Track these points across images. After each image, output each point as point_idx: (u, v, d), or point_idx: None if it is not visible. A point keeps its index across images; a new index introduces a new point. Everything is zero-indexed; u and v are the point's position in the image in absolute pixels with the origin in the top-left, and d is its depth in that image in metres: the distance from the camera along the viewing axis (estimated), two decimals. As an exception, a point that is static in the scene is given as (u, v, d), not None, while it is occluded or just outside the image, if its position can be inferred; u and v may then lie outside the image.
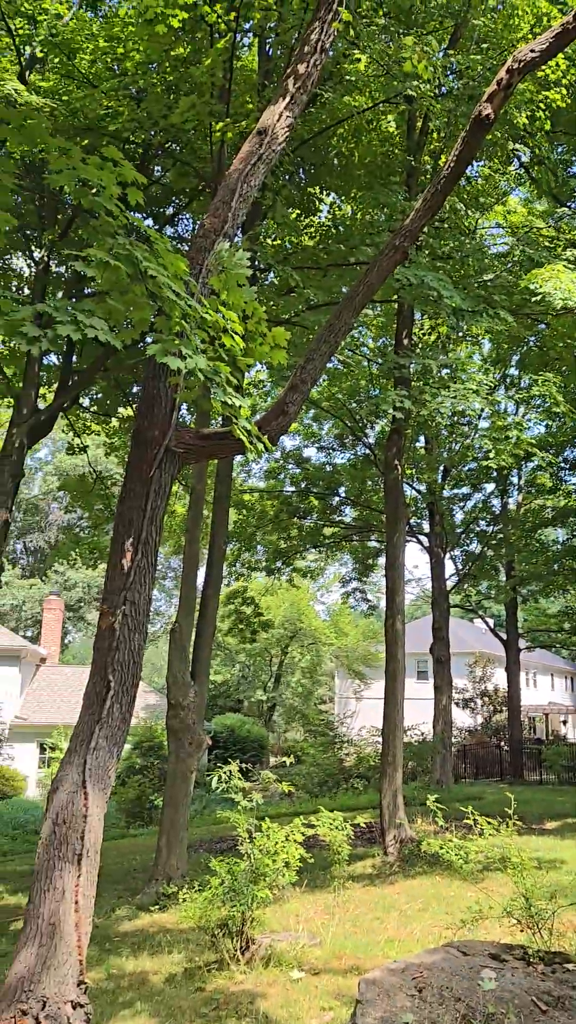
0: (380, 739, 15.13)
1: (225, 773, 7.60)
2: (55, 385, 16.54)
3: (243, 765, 8.04)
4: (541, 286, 10.58)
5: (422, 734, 27.33)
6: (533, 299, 11.00)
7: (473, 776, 29.72)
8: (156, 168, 14.90)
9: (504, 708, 33.42)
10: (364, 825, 10.13)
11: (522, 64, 5.57)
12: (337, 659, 45.31)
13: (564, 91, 12.11)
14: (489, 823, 6.86)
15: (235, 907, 6.97)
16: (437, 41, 12.71)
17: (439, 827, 9.18)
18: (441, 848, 7.21)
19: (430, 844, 7.33)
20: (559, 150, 19.56)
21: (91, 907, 4.75)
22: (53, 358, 16.85)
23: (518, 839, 8.16)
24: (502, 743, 31.93)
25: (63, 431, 22.34)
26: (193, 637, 12.48)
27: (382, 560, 22.22)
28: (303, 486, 25.56)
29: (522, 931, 6.33)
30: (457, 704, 32.91)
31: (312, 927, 8.09)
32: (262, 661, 43.85)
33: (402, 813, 12.52)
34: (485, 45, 12.46)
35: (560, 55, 11.15)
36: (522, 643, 33.91)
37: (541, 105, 12.29)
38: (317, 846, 10.82)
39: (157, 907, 10.04)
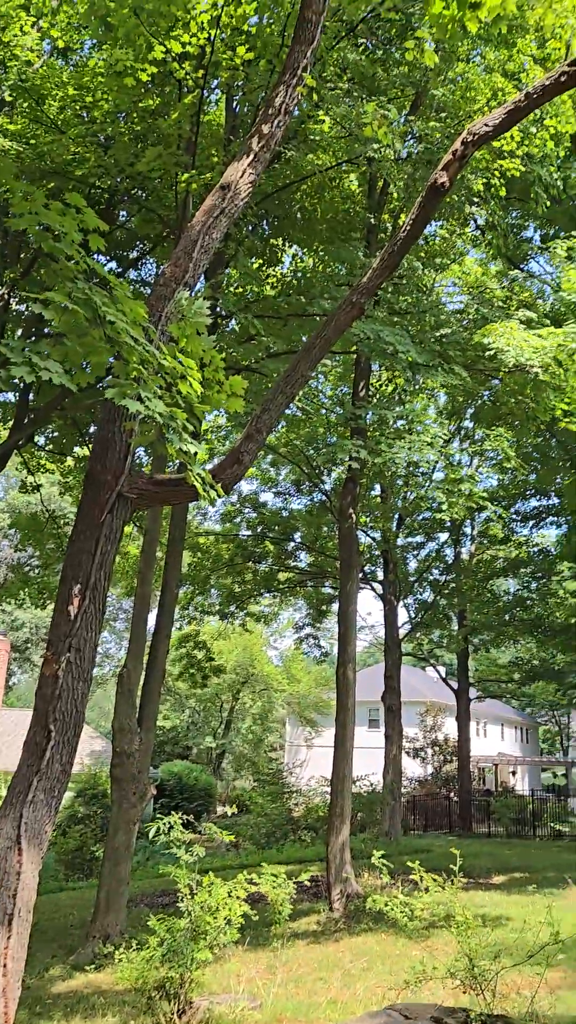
0: (329, 788, 14.94)
1: (165, 825, 7.41)
2: (10, 422, 16.39)
3: (185, 817, 7.84)
4: (495, 341, 10.89)
5: (372, 785, 27.09)
6: (486, 354, 11.29)
7: (422, 828, 29.46)
8: (121, 213, 15.08)
9: (454, 758, 33.36)
10: (308, 883, 9.93)
11: (476, 137, 5.81)
12: (289, 706, 44.86)
13: (517, 161, 12.62)
14: (435, 880, 6.78)
15: (173, 968, 6.74)
16: (398, 108, 13.20)
17: (385, 883, 9.06)
18: (386, 905, 7.09)
19: (375, 901, 7.21)
20: (513, 215, 20.35)
21: (20, 971, 4.55)
22: (9, 395, 16.73)
23: (464, 895, 8.08)
24: (451, 794, 31.79)
25: (17, 468, 22.09)
26: (142, 682, 12.26)
27: (336, 606, 22.22)
28: (259, 530, 25.56)
29: (465, 993, 6.22)
30: (407, 753, 32.76)
31: (253, 988, 7.85)
32: (213, 707, 43.20)
33: (349, 867, 12.32)
34: (444, 114, 12.97)
35: (514, 128, 11.64)
36: (473, 692, 34.06)
37: (496, 172, 12.79)
38: (262, 900, 10.56)
39: (93, 966, 9.65)
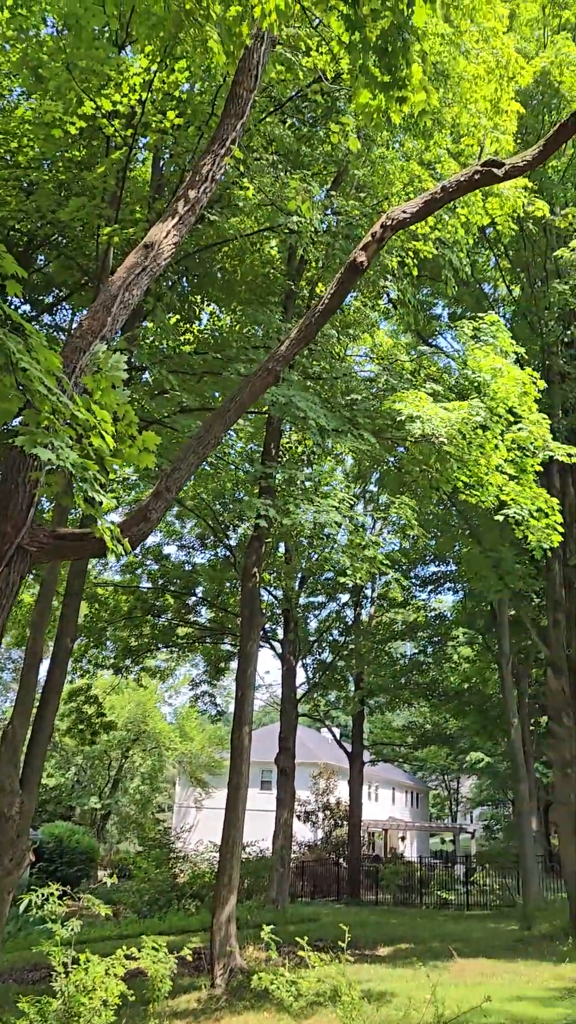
0: (217, 854, 14.50)
1: (39, 897, 6.99)
2: None
3: (63, 889, 7.41)
4: (405, 407, 11.26)
5: (261, 851, 26.51)
6: (395, 422, 11.63)
7: (310, 895, 28.92)
8: (39, 257, 14.94)
9: (345, 823, 33.10)
10: (191, 957, 9.53)
11: (394, 222, 6.09)
12: (180, 765, 43.63)
13: (431, 244, 13.28)
14: (320, 959, 6.62)
15: (42, 1056, 6.28)
16: (320, 183, 13.73)
17: (271, 958, 8.79)
18: (272, 984, 6.86)
19: (260, 979, 6.96)
20: (424, 292, 21.32)
21: None
22: None
23: (350, 969, 7.91)
24: (341, 860, 31.44)
25: None
26: (27, 739, 11.67)
27: (234, 664, 21.94)
28: (160, 583, 25.12)
29: (349, 1077, 6.04)
30: (299, 817, 32.31)
31: (127, 1075, 7.38)
32: (100, 765, 41.49)
33: (234, 940, 11.91)
34: (363, 193, 13.56)
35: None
36: (367, 755, 34.10)
37: (410, 253, 13.40)
38: (140, 975, 10.04)
39: (-48, 1054, 8.87)
